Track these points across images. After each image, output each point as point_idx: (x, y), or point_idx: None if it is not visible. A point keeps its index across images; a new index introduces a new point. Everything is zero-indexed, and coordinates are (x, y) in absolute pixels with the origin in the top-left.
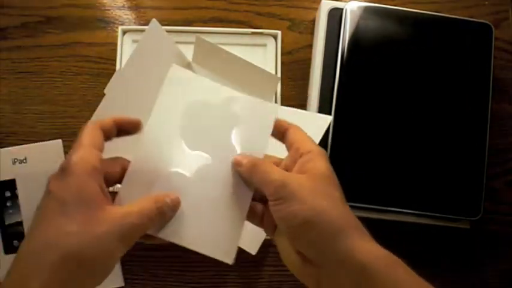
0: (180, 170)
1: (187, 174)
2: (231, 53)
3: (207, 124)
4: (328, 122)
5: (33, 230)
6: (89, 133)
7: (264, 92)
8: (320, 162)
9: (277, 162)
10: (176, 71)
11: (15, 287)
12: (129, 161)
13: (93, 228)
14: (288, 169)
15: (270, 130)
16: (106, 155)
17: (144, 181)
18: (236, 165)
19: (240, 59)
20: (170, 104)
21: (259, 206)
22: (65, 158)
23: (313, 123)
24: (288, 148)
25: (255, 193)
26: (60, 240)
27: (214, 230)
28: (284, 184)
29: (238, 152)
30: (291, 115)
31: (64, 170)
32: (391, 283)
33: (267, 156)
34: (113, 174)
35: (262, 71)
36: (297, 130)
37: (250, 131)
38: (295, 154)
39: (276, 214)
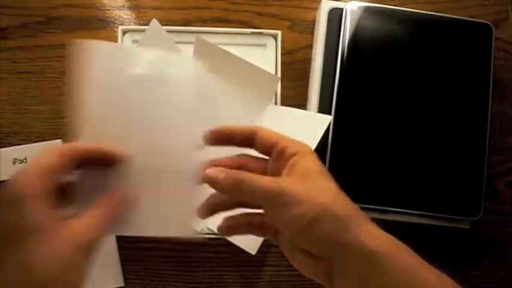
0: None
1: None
2: (231, 53)
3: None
4: (328, 121)
5: None
6: (48, 156)
7: (264, 91)
8: (310, 161)
9: (259, 168)
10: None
11: None
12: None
13: (58, 252)
14: (275, 173)
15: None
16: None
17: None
18: (211, 183)
19: (240, 59)
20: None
21: (257, 217)
22: (8, 181)
23: (313, 123)
24: (264, 150)
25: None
26: (33, 271)
27: (170, 211)
28: (280, 192)
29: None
30: (290, 115)
31: (7, 198)
32: (400, 269)
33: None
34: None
35: (263, 71)
36: (268, 131)
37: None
38: (280, 156)
39: (278, 222)
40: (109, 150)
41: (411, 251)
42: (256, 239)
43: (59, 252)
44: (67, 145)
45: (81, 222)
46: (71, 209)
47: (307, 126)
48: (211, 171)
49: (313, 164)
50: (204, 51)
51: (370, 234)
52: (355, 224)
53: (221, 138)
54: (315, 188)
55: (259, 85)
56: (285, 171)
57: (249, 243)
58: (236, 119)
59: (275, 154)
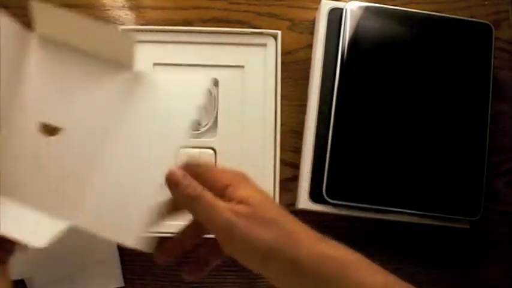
0: None
1: None
2: (77, 15)
3: None
4: (206, 82)
5: None
6: None
7: (121, 53)
8: (244, 190)
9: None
10: None
11: None
12: None
13: None
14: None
15: None
16: None
17: None
18: (172, 183)
19: (88, 20)
20: None
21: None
22: None
23: (192, 86)
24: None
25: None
26: None
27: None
28: (231, 225)
29: None
30: (169, 84)
31: None
32: (321, 276)
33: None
34: None
35: (115, 29)
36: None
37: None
38: (219, 190)
39: (226, 249)
40: None
41: (340, 260)
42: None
43: None
44: None
45: None
46: None
47: (185, 90)
48: (177, 171)
49: (252, 192)
50: (46, 18)
51: (306, 249)
52: (288, 248)
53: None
54: (263, 220)
55: (115, 46)
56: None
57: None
58: (92, 87)
59: (215, 190)
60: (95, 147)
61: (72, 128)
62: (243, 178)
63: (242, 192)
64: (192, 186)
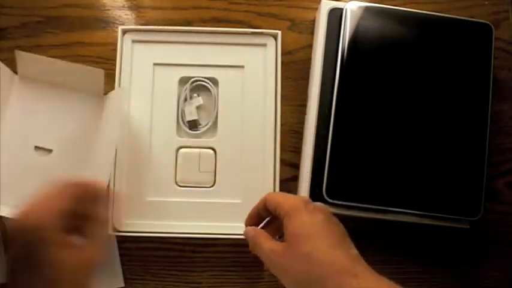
0: None
1: None
2: (52, 59)
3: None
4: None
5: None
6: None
7: (91, 87)
8: (294, 222)
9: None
10: None
11: None
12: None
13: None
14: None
15: None
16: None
17: None
18: (246, 238)
19: (61, 62)
20: None
21: None
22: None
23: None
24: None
25: None
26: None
27: None
28: (271, 261)
29: None
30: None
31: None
32: None
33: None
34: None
35: (85, 68)
36: (272, 195)
37: None
38: (279, 219)
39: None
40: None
41: None
42: None
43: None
44: (70, 187)
45: (89, 251)
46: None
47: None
48: (247, 230)
49: (296, 226)
50: (27, 62)
51: (332, 285)
52: (328, 282)
53: (256, 221)
54: (295, 255)
55: (86, 82)
56: (284, 236)
57: None
58: (73, 112)
59: (277, 216)
60: (79, 158)
61: (59, 146)
62: (300, 206)
63: (292, 224)
64: (254, 237)
